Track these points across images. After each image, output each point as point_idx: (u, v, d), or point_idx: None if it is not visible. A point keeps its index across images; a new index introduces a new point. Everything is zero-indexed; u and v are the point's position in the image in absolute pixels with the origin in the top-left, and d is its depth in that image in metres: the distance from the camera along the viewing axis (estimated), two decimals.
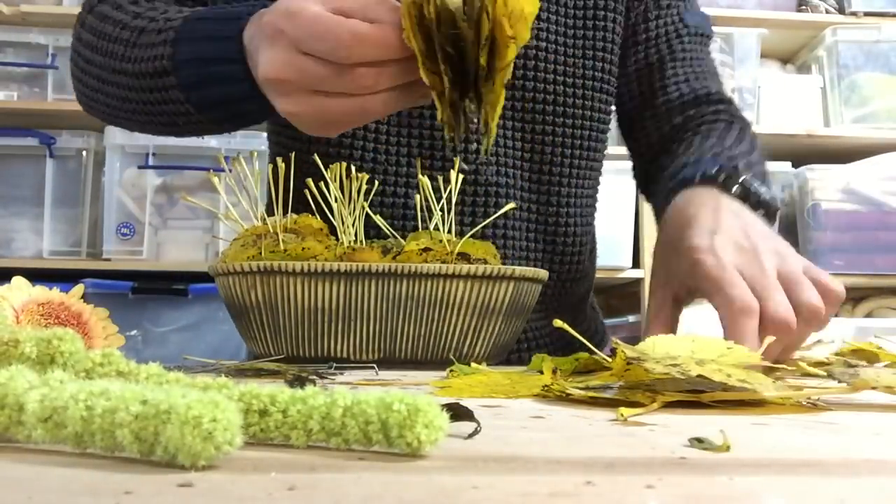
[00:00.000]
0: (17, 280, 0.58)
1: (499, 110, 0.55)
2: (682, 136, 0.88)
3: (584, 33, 0.88)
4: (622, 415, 0.37)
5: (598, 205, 0.98)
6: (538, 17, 0.84)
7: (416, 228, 0.76)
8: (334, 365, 0.70)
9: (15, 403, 0.27)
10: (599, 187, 0.97)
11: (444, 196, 0.73)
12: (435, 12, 0.52)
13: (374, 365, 0.70)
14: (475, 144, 0.85)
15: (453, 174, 0.75)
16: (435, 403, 0.27)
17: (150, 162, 1.89)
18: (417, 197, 0.75)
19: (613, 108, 0.94)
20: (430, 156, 0.85)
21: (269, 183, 0.78)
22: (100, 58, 0.74)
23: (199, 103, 0.67)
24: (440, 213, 0.73)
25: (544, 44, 0.86)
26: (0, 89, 1.97)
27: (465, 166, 0.84)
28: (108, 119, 0.80)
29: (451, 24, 0.52)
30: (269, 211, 0.75)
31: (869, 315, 2.08)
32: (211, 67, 0.64)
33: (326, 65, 0.54)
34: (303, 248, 0.71)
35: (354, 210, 0.74)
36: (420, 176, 0.75)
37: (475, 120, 0.57)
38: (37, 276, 1.88)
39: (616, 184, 1.97)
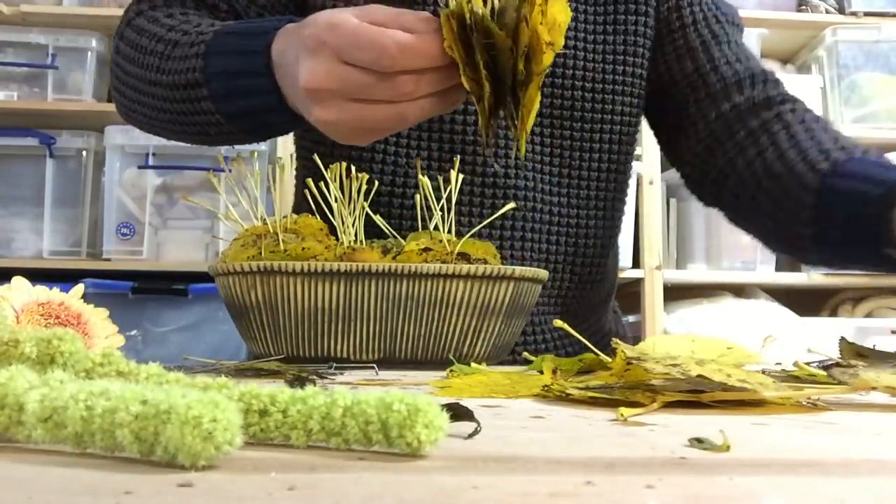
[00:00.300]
0: (18, 280, 0.58)
1: (534, 114, 0.57)
2: (755, 120, 0.87)
3: (612, 38, 0.88)
4: (622, 415, 0.37)
5: (626, 208, 0.97)
6: None
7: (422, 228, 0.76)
8: (334, 365, 0.70)
9: (15, 403, 0.27)
10: (629, 190, 0.97)
11: (445, 196, 0.74)
12: (473, 21, 0.53)
13: (374, 365, 0.70)
14: (504, 149, 0.85)
15: (453, 174, 0.75)
16: (435, 403, 0.27)
17: (150, 162, 1.89)
18: (424, 195, 0.75)
19: (641, 110, 0.93)
20: (438, 157, 0.85)
21: (299, 184, 0.78)
22: (137, 69, 0.76)
23: (228, 114, 0.69)
24: (440, 214, 0.73)
25: (570, 50, 0.87)
26: (0, 89, 1.97)
27: (496, 168, 0.84)
28: (146, 128, 0.83)
29: (486, 33, 0.54)
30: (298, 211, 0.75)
31: (869, 315, 2.08)
32: (238, 81, 0.66)
33: (369, 73, 0.56)
34: (303, 248, 0.71)
35: (354, 210, 0.74)
36: (420, 177, 0.75)
37: (509, 124, 0.58)
38: (37, 276, 1.88)
39: None
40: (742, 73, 0.90)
